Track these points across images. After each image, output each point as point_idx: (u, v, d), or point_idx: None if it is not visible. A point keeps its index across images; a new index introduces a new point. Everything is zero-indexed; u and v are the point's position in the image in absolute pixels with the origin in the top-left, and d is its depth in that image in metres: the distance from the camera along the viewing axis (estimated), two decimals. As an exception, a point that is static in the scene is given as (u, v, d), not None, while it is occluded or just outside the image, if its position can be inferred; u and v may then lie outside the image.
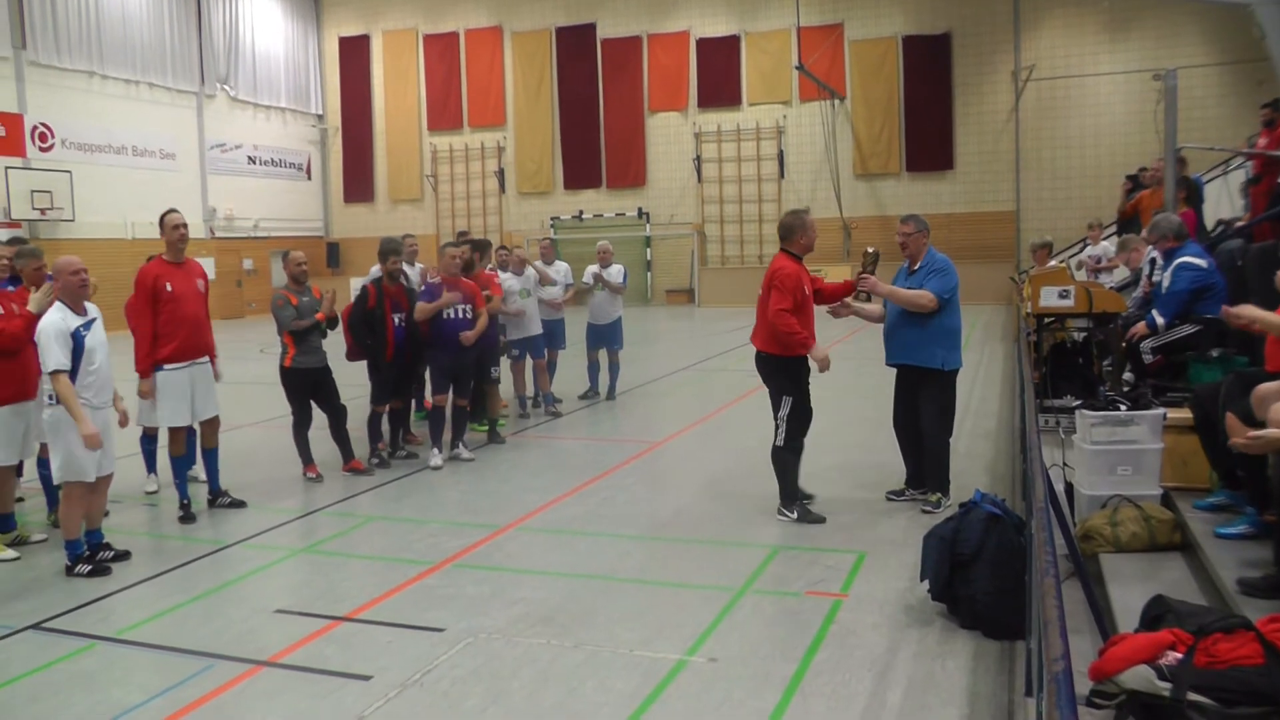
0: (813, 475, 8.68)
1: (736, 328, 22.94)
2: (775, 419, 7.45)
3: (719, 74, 31.93)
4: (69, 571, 6.78)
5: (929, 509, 7.36)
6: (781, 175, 31.52)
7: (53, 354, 6.56)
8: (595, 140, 33.29)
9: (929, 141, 30.00)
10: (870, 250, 8.09)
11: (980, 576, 5.24)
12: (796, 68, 28.66)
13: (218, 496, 8.43)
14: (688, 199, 32.46)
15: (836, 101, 30.58)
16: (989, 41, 29.40)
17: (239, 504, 8.42)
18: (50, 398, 6.68)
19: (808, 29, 30.14)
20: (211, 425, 8.41)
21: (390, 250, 9.60)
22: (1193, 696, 3.51)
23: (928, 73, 29.84)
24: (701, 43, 32.04)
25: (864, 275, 7.77)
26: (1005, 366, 13.69)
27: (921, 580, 5.61)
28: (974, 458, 9.10)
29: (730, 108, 32.00)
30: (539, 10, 33.65)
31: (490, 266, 11.08)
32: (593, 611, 5.70)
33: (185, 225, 8.16)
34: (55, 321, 6.65)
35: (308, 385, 9.04)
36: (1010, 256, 28.49)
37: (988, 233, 28.99)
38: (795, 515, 7.38)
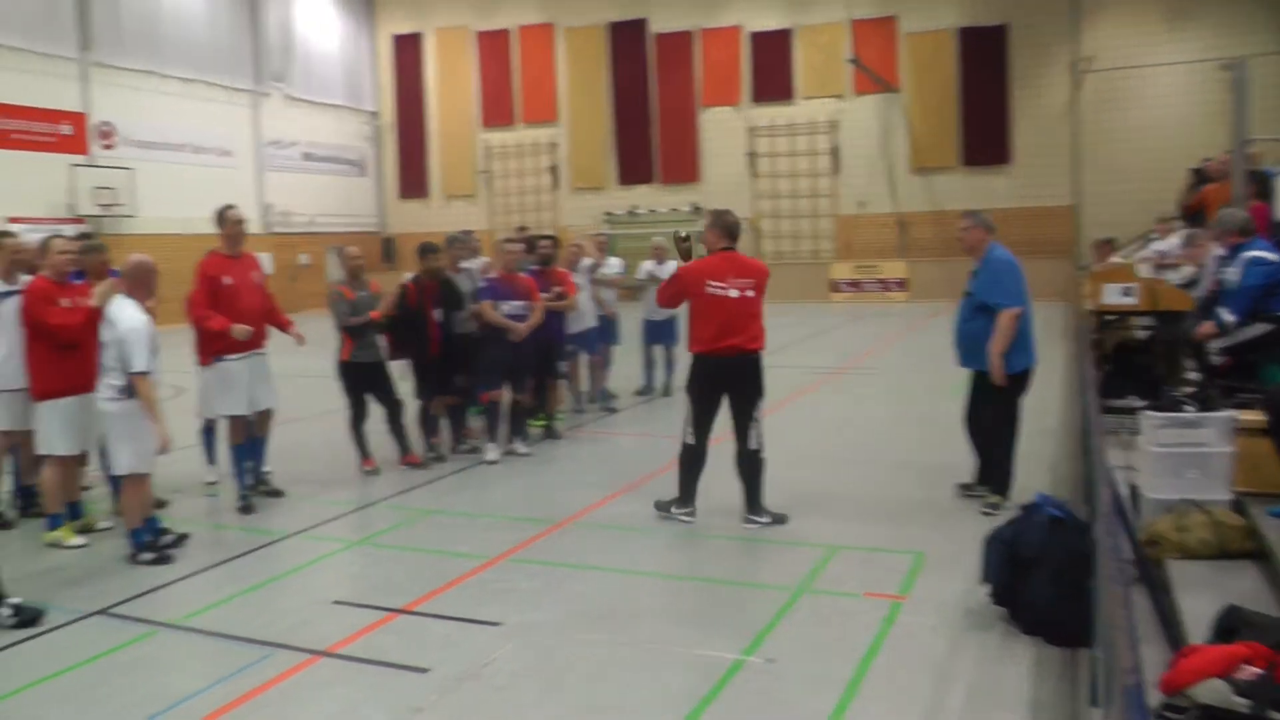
0: (870, 474, 8.63)
1: (789, 324, 22.84)
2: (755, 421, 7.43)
3: (771, 68, 31.68)
4: (132, 559, 6.90)
5: (988, 510, 7.24)
6: (835, 170, 31.27)
7: (141, 355, 6.69)
8: (648, 135, 33.22)
9: (985, 135, 29.55)
10: (682, 234, 7.94)
11: (1042, 581, 5.13)
12: (849, 61, 28.44)
13: (258, 483, 8.53)
14: (741, 194, 32.27)
15: (890, 95, 30.29)
16: (1046, 32, 28.88)
17: (276, 493, 8.54)
18: (120, 392, 6.80)
19: (861, 21, 29.88)
20: (266, 416, 8.55)
21: (426, 249, 9.65)
22: (1273, 714, 3.40)
23: (984, 65, 29.41)
24: (754, 36, 31.79)
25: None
26: (1065, 365, 13.46)
27: (982, 583, 5.50)
28: (1035, 458, 8.93)
29: (783, 102, 31.74)
30: (591, 6, 33.63)
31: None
32: (648, 609, 5.68)
33: (244, 220, 8.30)
34: (144, 322, 6.78)
35: (364, 379, 9.10)
36: (1068, 252, 28.05)
37: (1045, 228, 28.50)
38: (766, 520, 7.28)
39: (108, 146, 26.75)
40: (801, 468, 8.96)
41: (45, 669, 5.25)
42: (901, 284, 29.41)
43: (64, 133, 25.72)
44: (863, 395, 13.08)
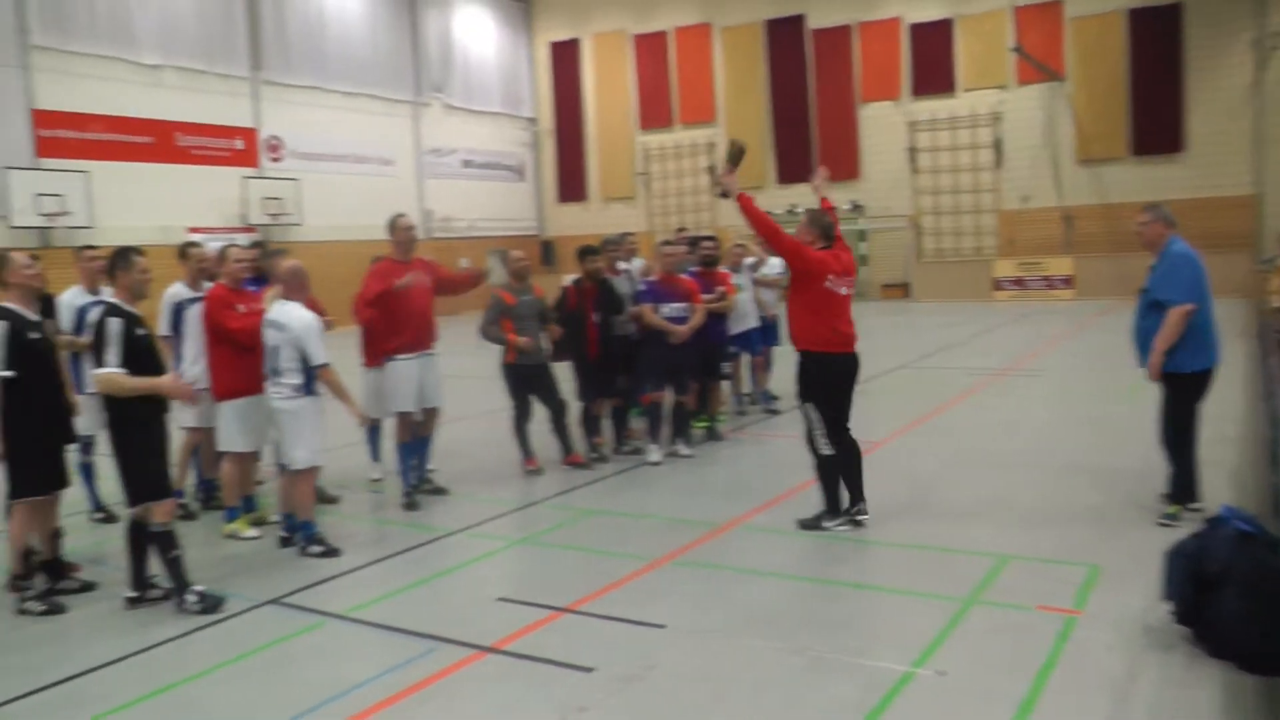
0: (1039, 480, 8.34)
1: (953, 323, 22.33)
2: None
3: (931, 60, 30.90)
4: (302, 551, 7.20)
5: (1165, 521, 6.89)
6: (998, 164, 30.33)
7: (319, 349, 7.01)
8: (806, 133, 32.82)
9: (1157, 122, 28.05)
10: (736, 142, 7.37)
11: (1230, 600, 4.80)
12: (1013, 50, 27.49)
13: (421, 482, 8.76)
14: (901, 190, 31.65)
15: (1056, 83, 29.14)
16: (1225, 10, 27.15)
17: (440, 491, 8.75)
18: (295, 390, 7.09)
19: (1024, 8, 28.73)
20: (432, 415, 8.77)
21: (587, 251, 9.73)
22: None
23: (1155, 47, 27.94)
24: (913, 28, 31.06)
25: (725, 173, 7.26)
26: (1246, 366, 12.75)
27: (1163, 601, 5.22)
28: (1216, 466, 8.44)
29: (944, 95, 30.90)
30: (748, 4, 33.42)
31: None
32: (814, 615, 5.60)
33: (413, 227, 8.60)
34: (314, 318, 7.09)
35: (527, 380, 9.24)
36: (1249, 245, 26.50)
37: (1223, 219, 26.86)
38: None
39: (276, 159, 28.20)
40: (967, 473, 8.74)
41: (226, 653, 5.51)
42: (1067, 281, 28.25)
43: (237, 147, 27.30)
44: (1029, 397, 12.66)
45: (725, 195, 7.20)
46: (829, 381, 7.18)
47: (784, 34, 32.83)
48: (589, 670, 4.96)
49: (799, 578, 6.24)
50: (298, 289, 7.26)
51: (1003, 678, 4.76)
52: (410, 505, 8.40)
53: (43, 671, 5.40)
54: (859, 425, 11.10)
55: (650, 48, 35.12)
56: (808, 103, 32.66)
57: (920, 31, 30.98)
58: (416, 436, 8.68)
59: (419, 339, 8.47)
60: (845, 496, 7.28)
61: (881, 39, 31.52)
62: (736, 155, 7.26)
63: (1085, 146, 29.09)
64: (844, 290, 7.17)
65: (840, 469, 7.25)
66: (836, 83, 32.20)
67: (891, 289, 31.50)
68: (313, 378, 7.10)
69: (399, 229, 8.52)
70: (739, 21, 33.54)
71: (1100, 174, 28.94)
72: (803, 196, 32.61)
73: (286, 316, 7.10)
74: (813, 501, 7.52)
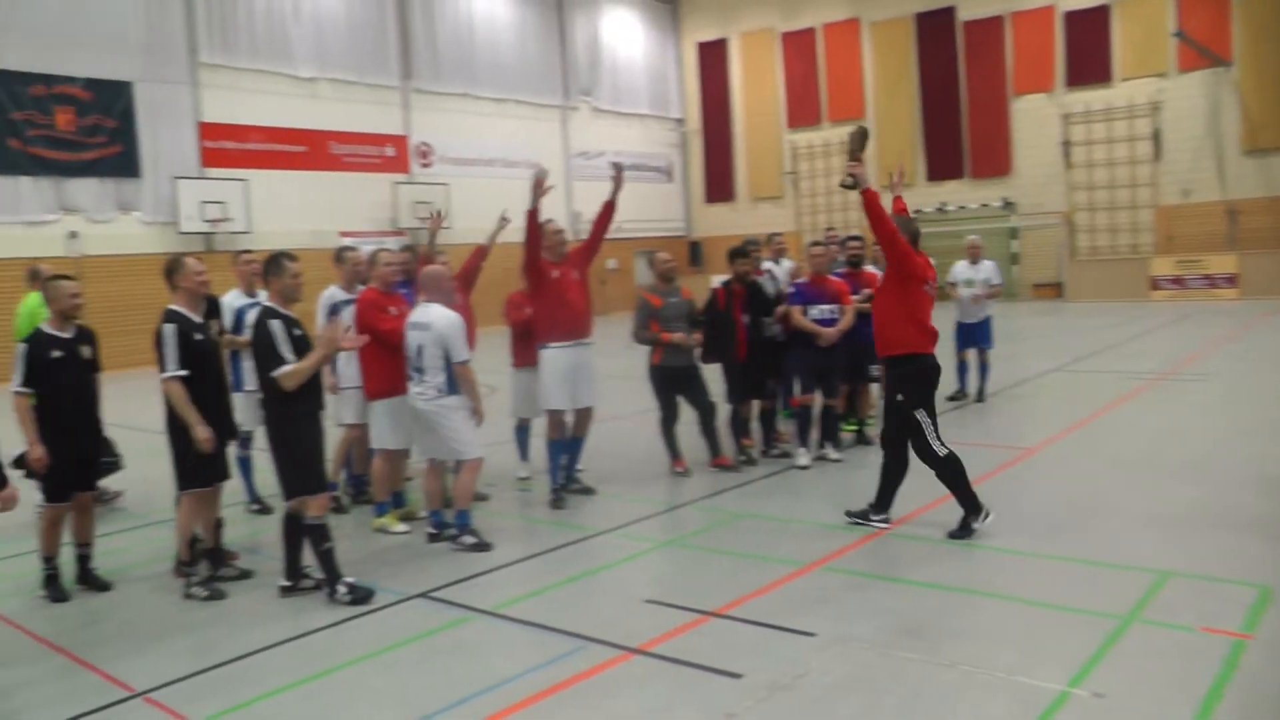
0: (1204, 492, 7.92)
1: (1109, 324, 21.49)
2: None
3: (1087, 49, 29.75)
4: (455, 541, 7.36)
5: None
6: (1156, 156, 29.02)
7: (462, 346, 7.16)
8: (957, 129, 32.07)
9: (1337, 107, 26.43)
10: (859, 129, 7.31)
11: None
12: (1175, 35, 26.30)
13: (570, 482, 8.81)
14: (1054, 186, 30.62)
15: (1220, 69, 27.67)
16: None
17: (588, 490, 8.79)
18: (439, 390, 7.23)
19: (1188, -10, 27.55)
20: (586, 415, 8.80)
21: (737, 253, 9.65)
22: None
23: (1337, 25, 26.24)
24: (1069, 17, 29.95)
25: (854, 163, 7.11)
26: None
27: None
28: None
29: (1099, 85, 29.72)
30: (897, -2, 32.94)
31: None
32: (966, 628, 5.40)
33: (562, 230, 8.75)
34: (456, 317, 7.23)
35: (675, 382, 9.22)
36: None
37: None
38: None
39: (426, 165, 29.17)
40: (1125, 482, 8.36)
41: (375, 644, 5.62)
42: (1231, 280, 26.74)
43: (388, 154, 28.40)
44: (1192, 402, 12.05)
45: (854, 186, 7.11)
46: (932, 382, 7.19)
47: (934, 27, 32.19)
48: (737, 676, 4.88)
49: (950, 588, 6.03)
50: (437, 291, 7.41)
51: (1165, 703, 4.48)
52: (557, 504, 8.47)
53: (207, 653, 5.63)
54: (1009, 430, 10.89)
55: (798, 45, 34.84)
56: (959, 97, 31.92)
57: (1075, 19, 29.90)
58: (569, 436, 8.74)
59: (574, 329, 8.54)
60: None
61: (1034, 29, 30.55)
62: (860, 141, 7.15)
63: (1252, 135, 27.60)
64: (932, 293, 7.22)
65: (961, 469, 7.11)
66: (987, 76, 31.38)
67: (1043, 289, 30.51)
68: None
69: (548, 234, 8.63)
70: (888, 16, 33.04)
71: (1269, 164, 27.43)
72: (953, 194, 31.93)
73: (429, 316, 7.26)
74: (960, 511, 7.32)
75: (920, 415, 7.11)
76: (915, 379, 7.14)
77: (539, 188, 8.31)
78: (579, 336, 8.59)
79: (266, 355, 6.26)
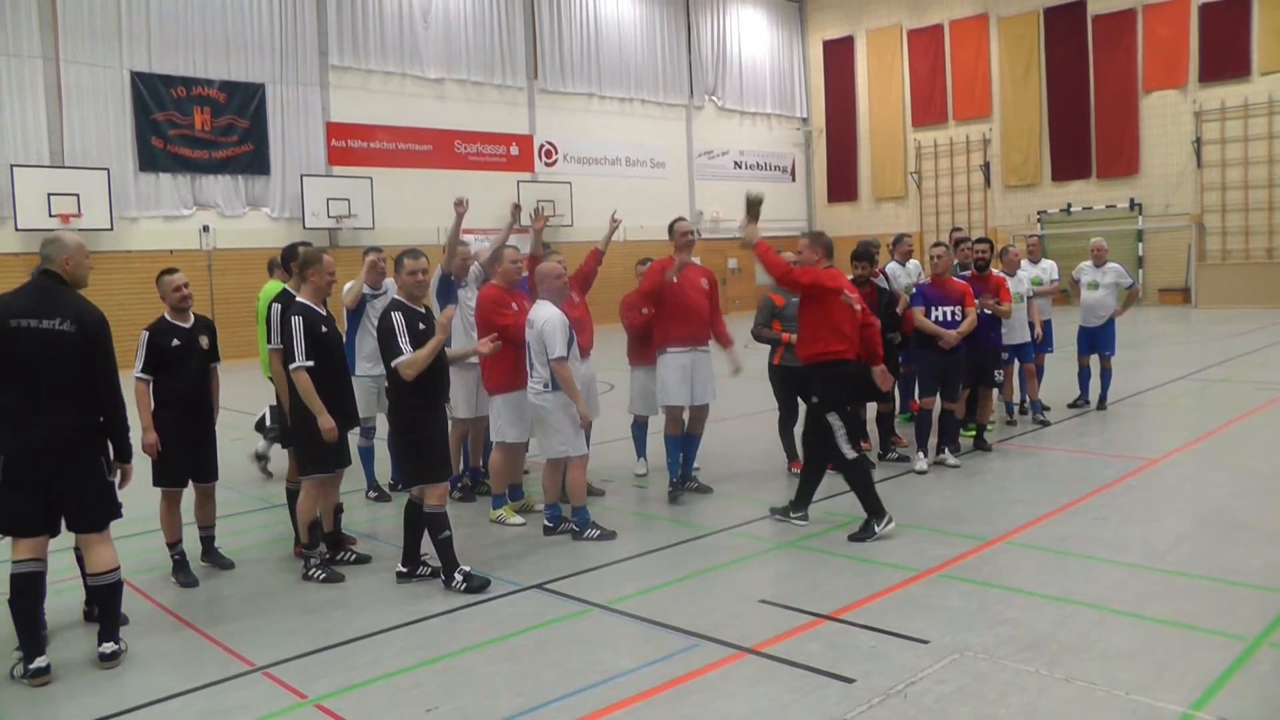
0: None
1: (1241, 331, 20.69)
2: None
3: (1224, 41, 28.49)
4: (577, 536, 7.47)
5: None
6: (1297, 154, 27.77)
7: (560, 344, 7.24)
8: (1085, 126, 31.14)
9: None
10: (753, 195, 7.80)
11: None
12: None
13: (686, 480, 8.84)
14: (1185, 187, 29.55)
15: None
16: None
17: (705, 489, 8.82)
18: (545, 385, 7.37)
19: (1339, -24, 26.24)
20: (701, 412, 8.84)
21: (859, 255, 9.56)
22: None
23: None
24: (1204, 8, 28.73)
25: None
26: None
27: None
28: None
29: (1237, 79, 28.47)
30: (1026, -8, 32.18)
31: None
32: (1085, 643, 5.24)
33: (690, 231, 8.74)
34: (560, 316, 7.34)
35: (795, 382, 9.17)
36: None
37: None
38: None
39: (550, 164, 29.60)
40: (1256, 497, 8.04)
41: (491, 632, 5.73)
42: (1376, 287, 25.51)
43: (513, 154, 28.80)
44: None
45: (746, 245, 7.76)
46: (846, 387, 7.55)
47: (1063, 21, 31.35)
48: (849, 681, 4.85)
49: (1069, 600, 5.88)
50: (552, 290, 7.53)
51: (1304, 728, 4.28)
52: (674, 499, 8.56)
53: (325, 633, 5.83)
54: (1131, 440, 10.58)
55: (925, 42, 34.35)
56: (1087, 93, 30.99)
57: (1211, 11, 28.70)
58: (686, 433, 8.80)
59: (693, 334, 8.60)
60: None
61: (1168, 21, 29.42)
62: (757, 207, 7.79)
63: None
64: (856, 305, 7.58)
65: (867, 471, 7.47)
66: (1117, 71, 30.42)
67: (1170, 294, 29.49)
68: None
69: (676, 233, 8.70)
70: (1016, 11, 32.31)
71: None
72: (1079, 194, 31.10)
73: (535, 314, 7.41)
74: (1081, 520, 7.25)
75: (832, 418, 7.39)
76: (829, 382, 7.44)
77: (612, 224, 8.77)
78: (697, 343, 8.65)
79: (387, 345, 6.47)
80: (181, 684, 5.18)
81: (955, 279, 9.60)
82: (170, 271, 7.03)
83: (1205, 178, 29.26)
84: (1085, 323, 12.08)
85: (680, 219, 8.85)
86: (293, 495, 7.33)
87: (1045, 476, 9.07)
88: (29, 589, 5.31)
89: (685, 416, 8.75)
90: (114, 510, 5.51)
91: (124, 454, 5.51)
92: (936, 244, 9.86)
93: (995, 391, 10.46)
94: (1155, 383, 14.17)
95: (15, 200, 20.75)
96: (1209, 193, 29.22)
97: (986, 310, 9.78)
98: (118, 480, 5.52)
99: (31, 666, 5.25)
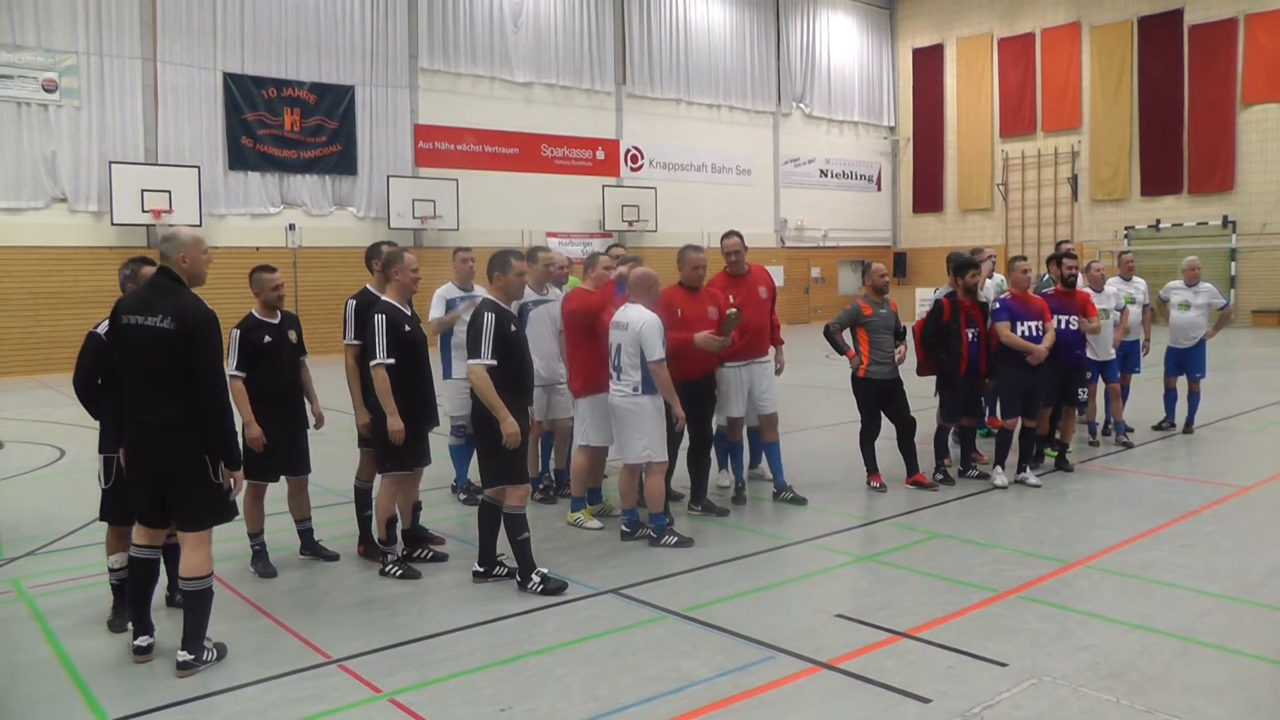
0: None
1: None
2: None
3: (1335, 50, 27.54)
4: (654, 543, 7.49)
5: None
6: None
7: (659, 346, 7.30)
8: (1177, 140, 30.43)
9: None
10: (733, 310, 7.88)
11: None
12: None
13: (781, 490, 8.87)
14: (1284, 205, 28.77)
15: None
16: None
17: (800, 500, 8.78)
18: (634, 388, 7.40)
19: None
20: (769, 421, 8.88)
21: (967, 265, 9.46)
22: None
23: None
24: (1313, 17, 27.81)
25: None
26: None
27: None
28: None
29: (1347, 91, 27.52)
30: (1121, 0, 31.51)
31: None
32: (1169, 674, 5.10)
33: (738, 247, 8.72)
34: (655, 318, 7.39)
35: (879, 395, 9.13)
36: None
37: None
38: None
39: (636, 169, 29.75)
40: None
41: (567, 635, 5.77)
42: None
43: (598, 158, 29.02)
44: None
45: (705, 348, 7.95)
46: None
47: (1158, 31, 30.69)
48: (925, 700, 4.79)
49: (1152, 630, 5.73)
50: (643, 294, 7.56)
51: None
52: (738, 499, 8.82)
53: (400, 629, 5.92)
54: (1219, 466, 10.28)
55: (1015, 51, 33.92)
56: (1181, 106, 30.24)
57: (1322, 20, 27.64)
58: (763, 442, 8.94)
59: (749, 347, 8.65)
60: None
61: (1273, 32, 28.56)
62: (730, 325, 7.89)
63: None
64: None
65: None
66: (1214, 83, 29.59)
67: (1265, 315, 28.63)
68: (651, 376, 7.38)
69: (723, 249, 8.77)
70: (1110, 19, 31.74)
71: None
72: (1169, 210, 30.38)
73: (628, 317, 7.43)
74: (1166, 546, 7.19)
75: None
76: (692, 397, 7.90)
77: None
78: (753, 355, 8.70)
79: (474, 345, 6.49)
80: (258, 673, 5.30)
81: (1033, 295, 9.48)
82: (268, 269, 7.15)
83: (1307, 195, 28.41)
84: (1175, 344, 11.81)
85: (728, 234, 8.79)
86: (361, 494, 7.45)
87: (1128, 500, 8.88)
88: (139, 572, 5.54)
89: (754, 424, 8.90)
90: (217, 514, 5.44)
91: (230, 459, 5.39)
92: (1017, 258, 9.72)
93: (1076, 411, 10.27)
94: (1246, 408, 13.79)
95: (113, 195, 21.41)
96: (1312, 210, 28.38)
97: (1074, 328, 9.62)
98: (231, 486, 5.43)
99: (136, 643, 5.48)
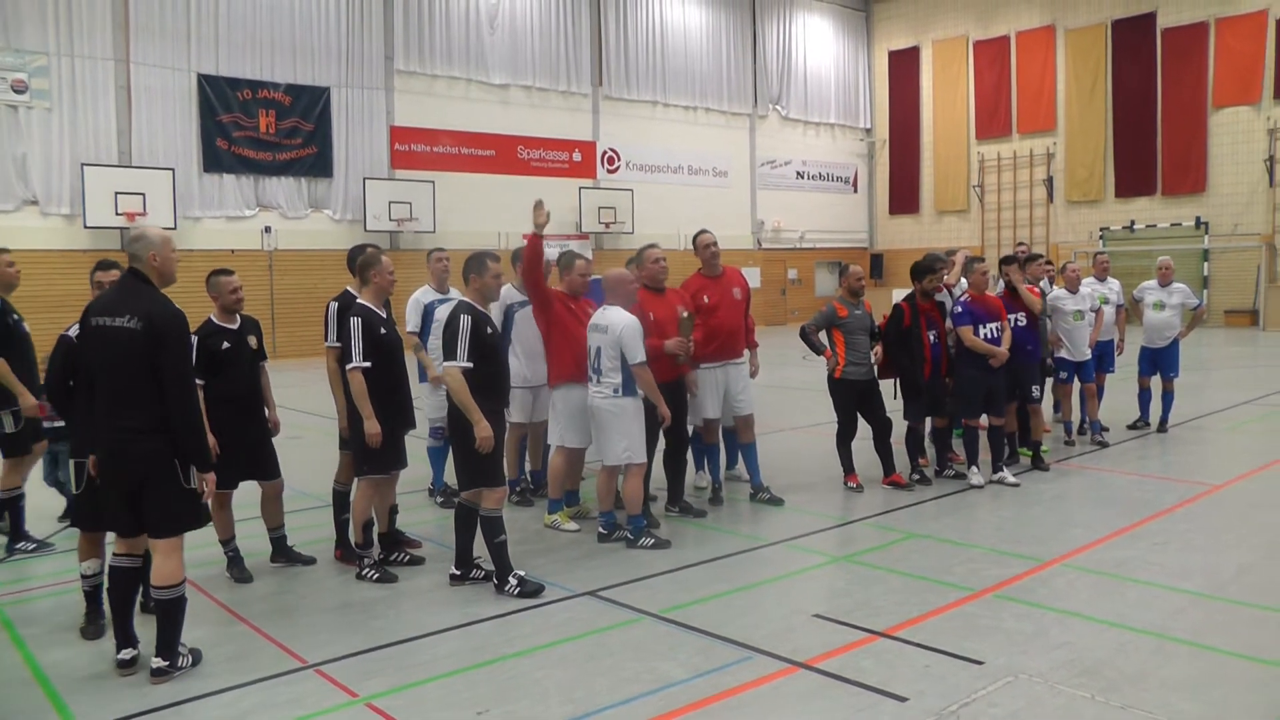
0: None
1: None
2: None
3: (1302, 56, 27.78)
4: (632, 544, 7.49)
5: None
6: (1374, 175, 27.10)
7: (640, 349, 7.30)
8: (1151, 142, 30.65)
9: None
10: (685, 314, 7.93)
11: None
12: None
13: (758, 491, 8.88)
14: (1255, 206, 28.96)
15: None
16: None
17: (777, 501, 8.80)
18: (615, 390, 7.39)
19: None
20: (746, 422, 8.90)
21: (925, 270, 9.48)
22: None
23: None
24: (1280, 22, 28.03)
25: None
26: None
27: None
28: None
29: (1314, 96, 27.74)
30: (1095, 4, 31.74)
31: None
32: (1144, 671, 5.13)
33: (713, 245, 8.77)
34: (635, 320, 7.38)
35: (855, 396, 9.15)
36: None
37: None
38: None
39: (612, 171, 29.72)
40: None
41: (544, 637, 5.76)
42: None
43: (575, 160, 29.01)
44: None
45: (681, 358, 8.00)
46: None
47: (1132, 34, 30.92)
48: (902, 699, 4.81)
49: (1128, 627, 5.78)
50: (619, 296, 7.55)
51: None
52: (714, 500, 8.81)
53: (376, 633, 5.90)
54: (1193, 465, 10.37)
55: (991, 53, 34.10)
56: (1154, 109, 30.47)
57: (1290, 25, 27.91)
58: (739, 443, 8.98)
59: (723, 349, 8.68)
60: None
61: (1243, 36, 28.83)
62: (686, 329, 7.93)
63: None
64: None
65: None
66: (1186, 86, 29.85)
67: (1236, 315, 28.87)
68: (632, 378, 7.37)
69: (698, 246, 8.82)
70: (1084, 23, 31.93)
71: None
72: (1143, 212, 30.63)
73: (607, 319, 7.41)
74: (1141, 545, 7.22)
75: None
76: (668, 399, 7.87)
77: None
78: (728, 357, 8.73)
79: (450, 347, 6.47)
80: (234, 678, 5.26)
81: (990, 295, 9.54)
82: (225, 272, 7.00)
83: (1277, 197, 28.68)
84: (1149, 343, 11.90)
85: (701, 232, 8.93)
86: (340, 497, 7.41)
87: (1103, 499, 8.94)
88: (121, 582, 5.43)
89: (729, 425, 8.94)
90: (186, 520, 5.33)
91: (201, 462, 5.27)
92: (977, 259, 9.77)
93: (1052, 409, 10.31)
94: (1219, 406, 13.91)
95: (85, 198, 21.23)
96: (1281, 212, 28.63)
97: (1023, 324, 9.69)
98: (202, 489, 5.33)
99: (119, 656, 5.38)
